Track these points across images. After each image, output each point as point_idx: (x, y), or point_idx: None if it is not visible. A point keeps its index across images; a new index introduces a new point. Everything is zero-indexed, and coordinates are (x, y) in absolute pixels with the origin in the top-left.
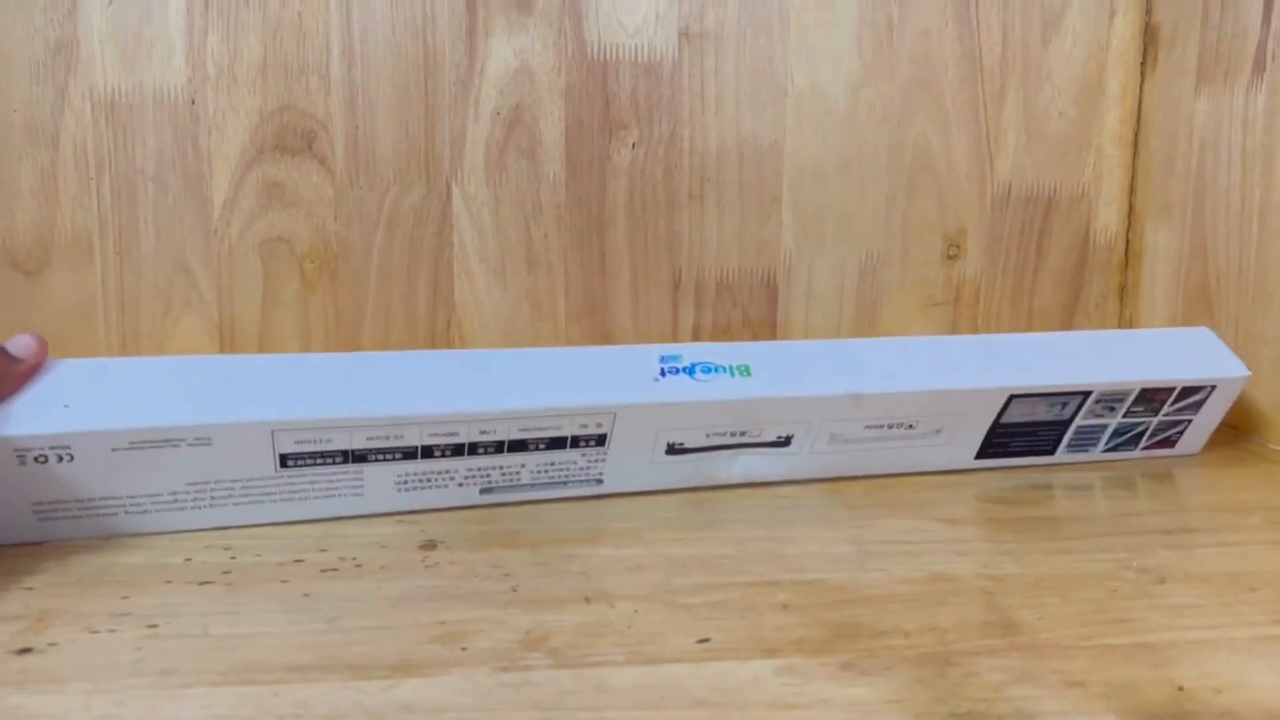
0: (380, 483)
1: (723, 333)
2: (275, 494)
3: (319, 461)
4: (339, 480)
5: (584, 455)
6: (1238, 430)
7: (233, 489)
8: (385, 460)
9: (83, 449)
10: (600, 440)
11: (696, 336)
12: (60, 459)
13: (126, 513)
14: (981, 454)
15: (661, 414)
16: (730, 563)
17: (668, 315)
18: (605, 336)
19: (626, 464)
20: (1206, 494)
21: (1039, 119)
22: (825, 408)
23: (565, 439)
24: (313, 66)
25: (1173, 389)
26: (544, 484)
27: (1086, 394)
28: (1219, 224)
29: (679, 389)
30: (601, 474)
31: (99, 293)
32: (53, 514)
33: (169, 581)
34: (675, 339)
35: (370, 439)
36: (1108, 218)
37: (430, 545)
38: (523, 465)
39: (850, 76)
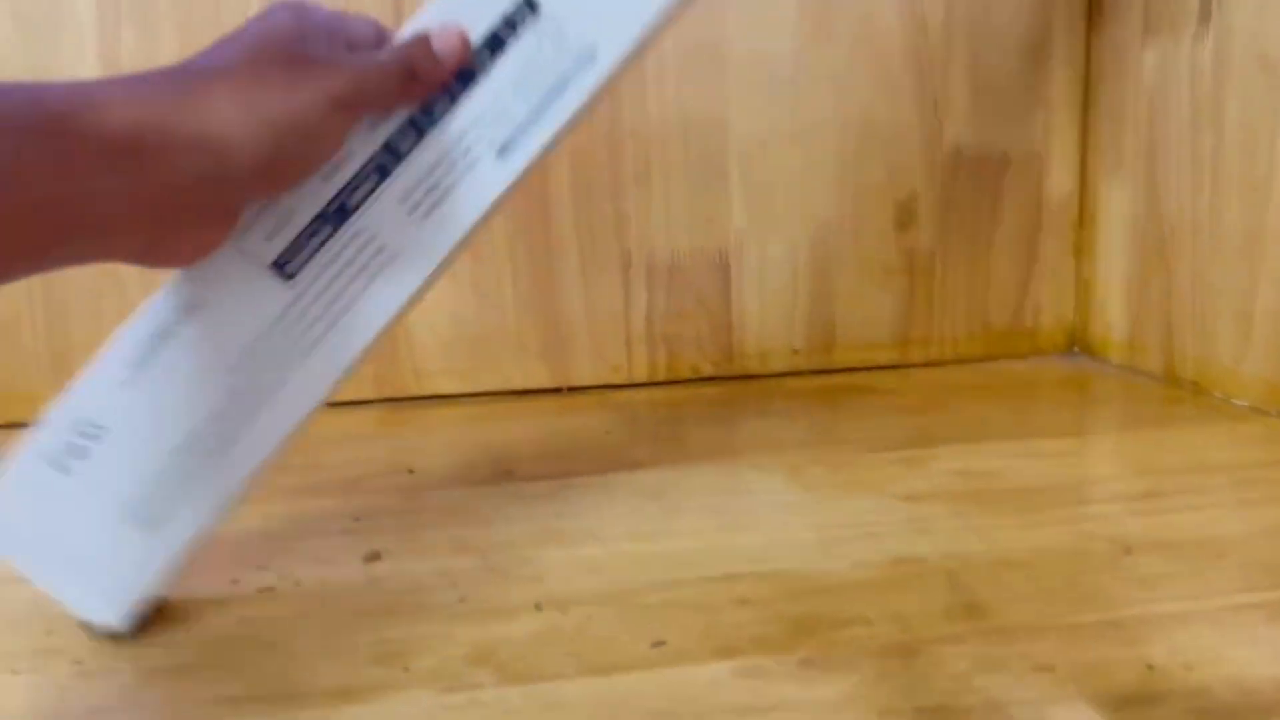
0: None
1: (676, 315)
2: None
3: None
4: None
5: None
6: (1197, 386)
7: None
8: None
9: None
10: None
11: (650, 321)
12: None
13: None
14: None
15: None
16: (689, 557)
17: (619, 300)
18: (556, 325)
19: None
20: (1170, 455)
21: (987, 80)
22: None
23: None
24: None
25: None
26: None
27: None
28: (1172, 178)
29: None
30: None
31: (24, 308)
32: None
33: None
34: (628, 325)
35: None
36: (1060, 177)
37: (375, 556)
38: None
39: (792, 44)
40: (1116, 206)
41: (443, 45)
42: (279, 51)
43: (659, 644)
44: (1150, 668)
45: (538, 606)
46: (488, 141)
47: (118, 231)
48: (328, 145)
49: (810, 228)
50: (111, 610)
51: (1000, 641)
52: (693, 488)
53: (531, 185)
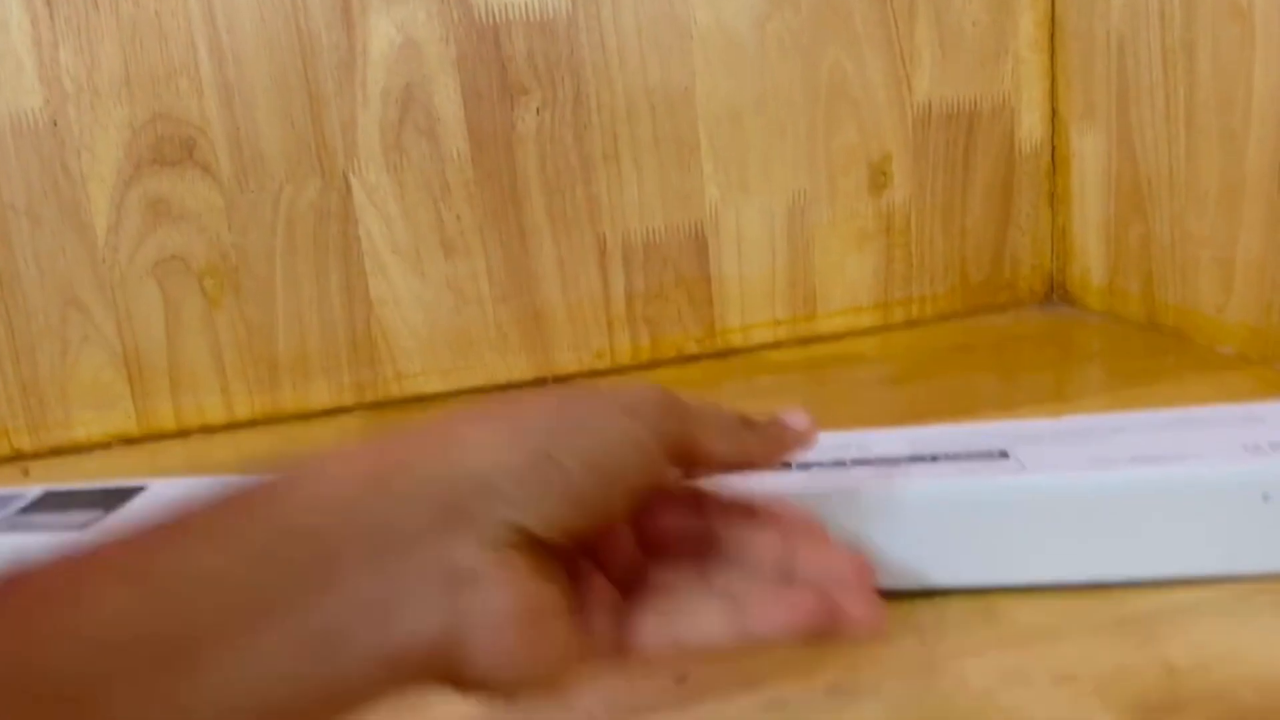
0: None
1: (656, 295)
2: None
3: None
4: None
5: None
6: (1180, 333)
7: None
8: None
9: None
10: None
11: (630, 303)
12: None
13: None
14: None
15: None
16: None
17: (598, 285)
18: (536, 315)
19: None
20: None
21: (952, 31)
22: None
23: None
24: (180, 68)
25: None
26: None
27: None
28: (1145, 125)
29: None
30: None
31: None
32: None
33: None
34: (608, 309)
35: None
36: (1031, 125)
37: None
38: None
39: (755, 10)
40: (1090, 154)
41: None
42: None
43: (681, 679)
44: (1171, 671)
45: None
46: None
47: None
48: None
49: (785, 196)
50: None
51: (1019, 650)
52: None
53: (499, 174)
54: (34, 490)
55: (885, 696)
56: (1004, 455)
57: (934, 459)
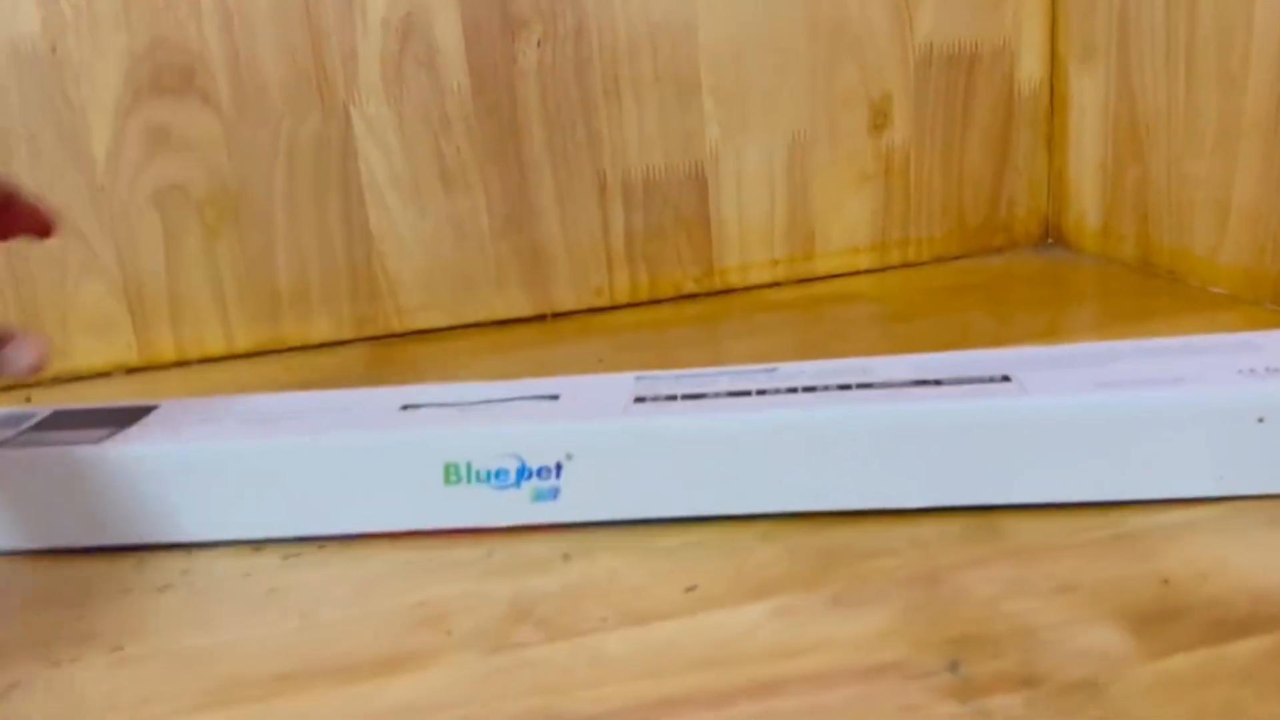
0: None
1: (656, 233)
2: None
3: None
4: None
5: None
6: (1174, 275)
7: None
8: None
9: None
10: None
11: (629, 242)
12: None
13: None
14: None
15: None
16: None
17: (597, 222)
18: (535, 252)
19: None
20: None
21: None
22: None
23: None
24: None
25: None
26: None
27: None
28: (1145, 66)
29: None
30: None
31: None
32: None
33: (126, 591)
34: (608, 246)
35: None
36: (1030, 67)
37: None
38: None
39: None
40: (1089, 96)
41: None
42: None
43: (691, 589)
44: (1166, 582)
45: (565, 556)
46: None
47: None
48: None
49: (786, 135)
50: None
51: (1020, 563)
52: None
53: (500, 108)
54: (43, 410)
55: (890, 605)
56: (1006, 380)
57: (938, 383)
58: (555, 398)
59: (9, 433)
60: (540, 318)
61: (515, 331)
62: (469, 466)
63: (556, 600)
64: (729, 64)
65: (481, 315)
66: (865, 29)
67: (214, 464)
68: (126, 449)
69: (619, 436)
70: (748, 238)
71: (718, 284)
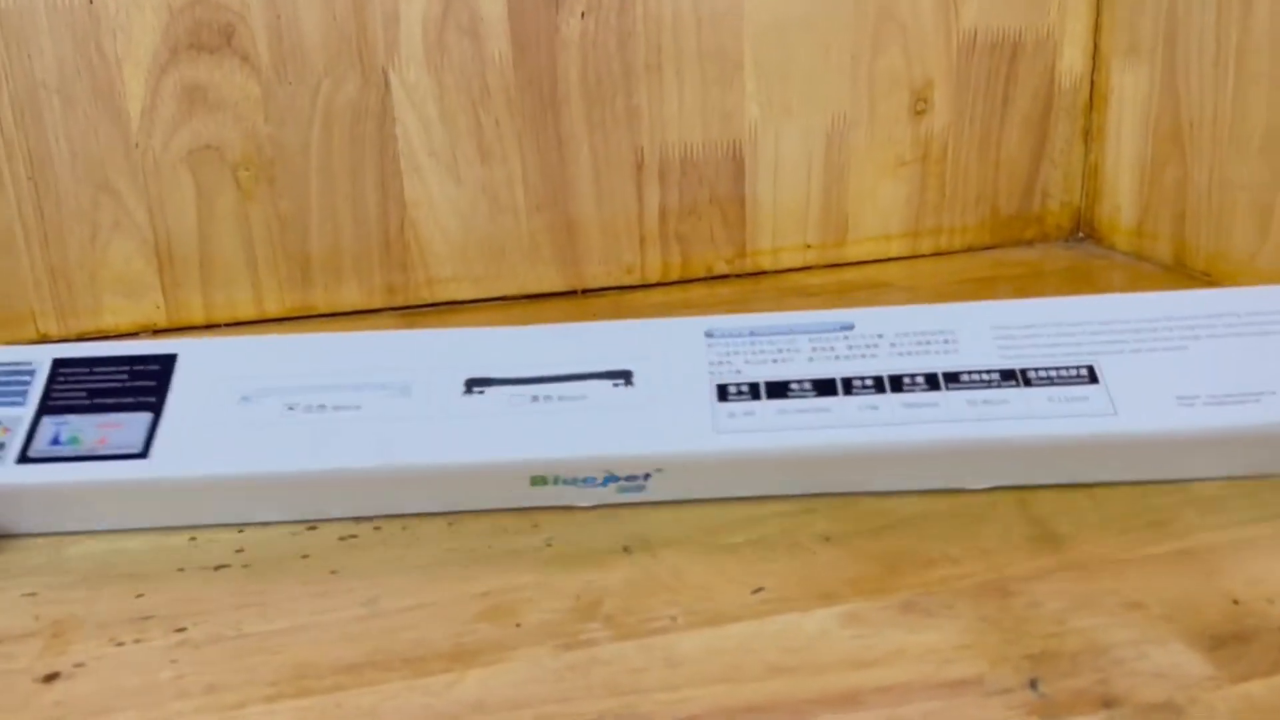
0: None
1: (690, 213)
2: None
3: None
4: None
5: None
6: (1211, 279)
7: None
8: None
9: None
10: None
11: (663, 220)
12: None
13: None
14: None
15: None
16: None
17: (632, 199)
18: (569, 227)
19: None
20: None
21: None
22: None
23: None
24: None
25: None
26: None
27: None
28: (1192, 66)
29: None
30: None
31: (16, 222)
32: None
33: (180, 569)
34: (641, 224)
35: None
36: (1072, 59)
37: None
38: None
39: None
40: (1130, 91)
41: None
42: None
43: (758, 590)
44: (1236, 602)
45: (626, 549)
46: None
47: None
48: None
49: (825, 118)
50: None
51: (1085, 577)
52: None
53: (540, 80)
54: (44, 360)
55: (961, 616)
56: (1092, 378)
57: (1026, 381)
58: (629, 378)
59: (20, 409)
60: (570, 293)
61: (545, 306)
62: (557, 478)
63: (622, 596)
64: (773, 43)
65: (511, 288)
66: (911, 13)
67: (264, 481)
68: (164, 473)
69: (708, 456)
70: (781, 220)
71: (749, 266)
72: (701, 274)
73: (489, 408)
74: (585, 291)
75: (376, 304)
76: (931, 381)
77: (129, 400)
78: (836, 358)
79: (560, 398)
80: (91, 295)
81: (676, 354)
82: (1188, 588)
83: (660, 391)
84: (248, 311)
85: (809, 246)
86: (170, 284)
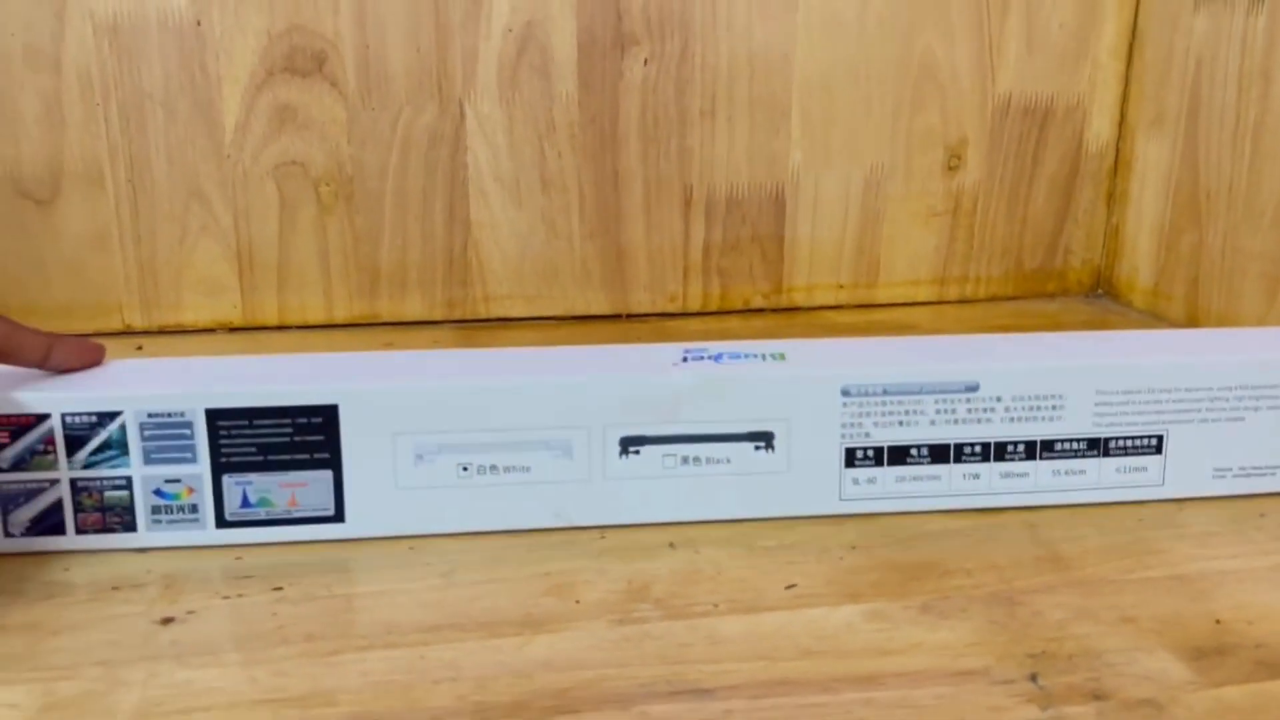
0: None
1: (732, 248)
2: None
3: None
4: None
5: None
6: None
7: None
8: None
9: None
10: None
11: (707, 253)
12: None
13: None
14: None
15: None
16: None
17: (679, 232)
18: (618, 255)
19: None
20: None
21: (1040, 30)
22: None
23: None
24: None
25: None
26: None
27: None
28: (1212, 139)
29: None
30: None
31: (113, 222)
32: None
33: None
34: (686, 256)
35: None
36: (1100, 126)
37: None
38: None
39: None
40: (1153, 159)
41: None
42: None
43: (791, 586)
44: (1218, 622)
45: (671, 545)
46: None
47: None
48: None
49: (864, 167)
50: None
51: (1086, 593)
52: None
53: (602, 119)
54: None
55: (973, 619)
56: (1159, 448)
57: (1106, 450)
58: (770, 441)
59: (194, 466)
60: (616, 316)
61: (591, 328)
62: None
63: (669, 583)
64: (819, 94)
65: (561, 309)
66: (950, 75)
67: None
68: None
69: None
70: (817, 260)
71: (784, 301)
72: (739, 306)
73: (644, 469)
74: (630, 316)
75: (437, 316)
76: (1030, 450)
77: (304, 457)
78: (956, 421)
79: (708, 459)
80: (175, 292)
81: (814, 414)
82: (1177, 607)
83: (797, 456)
84: (317, 316)
85: (841, 286)
86: (248, 286)
